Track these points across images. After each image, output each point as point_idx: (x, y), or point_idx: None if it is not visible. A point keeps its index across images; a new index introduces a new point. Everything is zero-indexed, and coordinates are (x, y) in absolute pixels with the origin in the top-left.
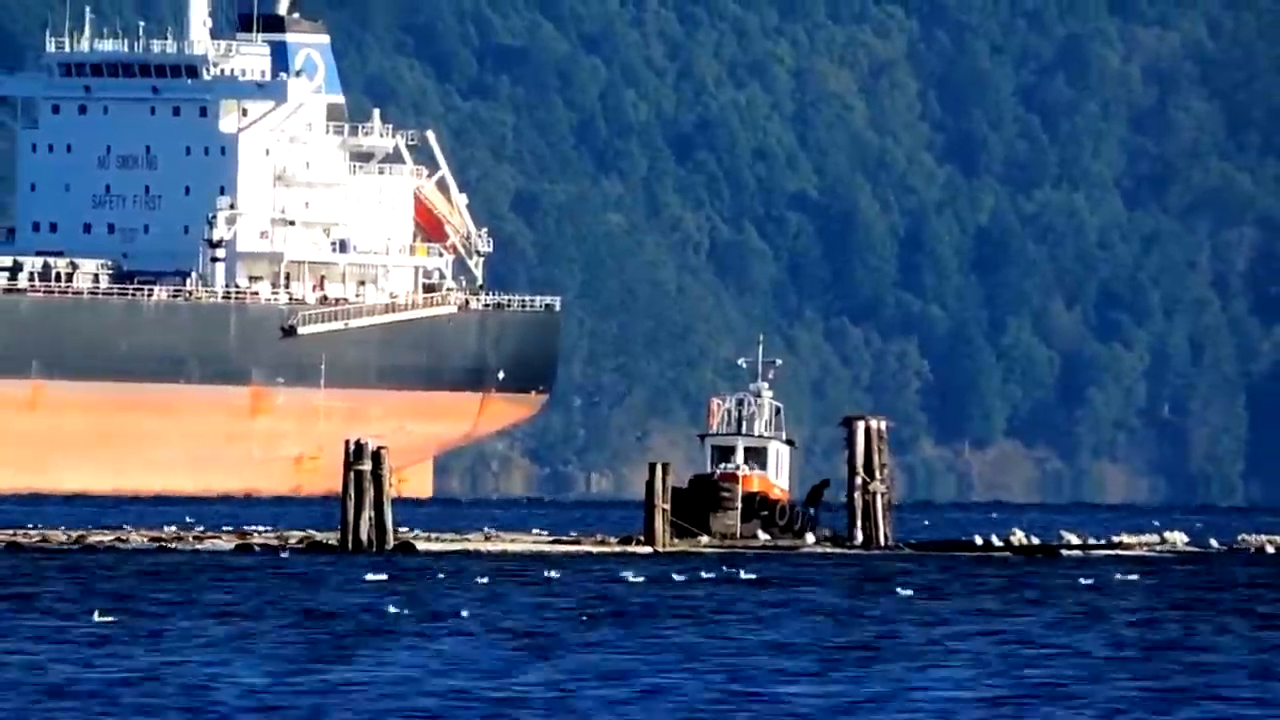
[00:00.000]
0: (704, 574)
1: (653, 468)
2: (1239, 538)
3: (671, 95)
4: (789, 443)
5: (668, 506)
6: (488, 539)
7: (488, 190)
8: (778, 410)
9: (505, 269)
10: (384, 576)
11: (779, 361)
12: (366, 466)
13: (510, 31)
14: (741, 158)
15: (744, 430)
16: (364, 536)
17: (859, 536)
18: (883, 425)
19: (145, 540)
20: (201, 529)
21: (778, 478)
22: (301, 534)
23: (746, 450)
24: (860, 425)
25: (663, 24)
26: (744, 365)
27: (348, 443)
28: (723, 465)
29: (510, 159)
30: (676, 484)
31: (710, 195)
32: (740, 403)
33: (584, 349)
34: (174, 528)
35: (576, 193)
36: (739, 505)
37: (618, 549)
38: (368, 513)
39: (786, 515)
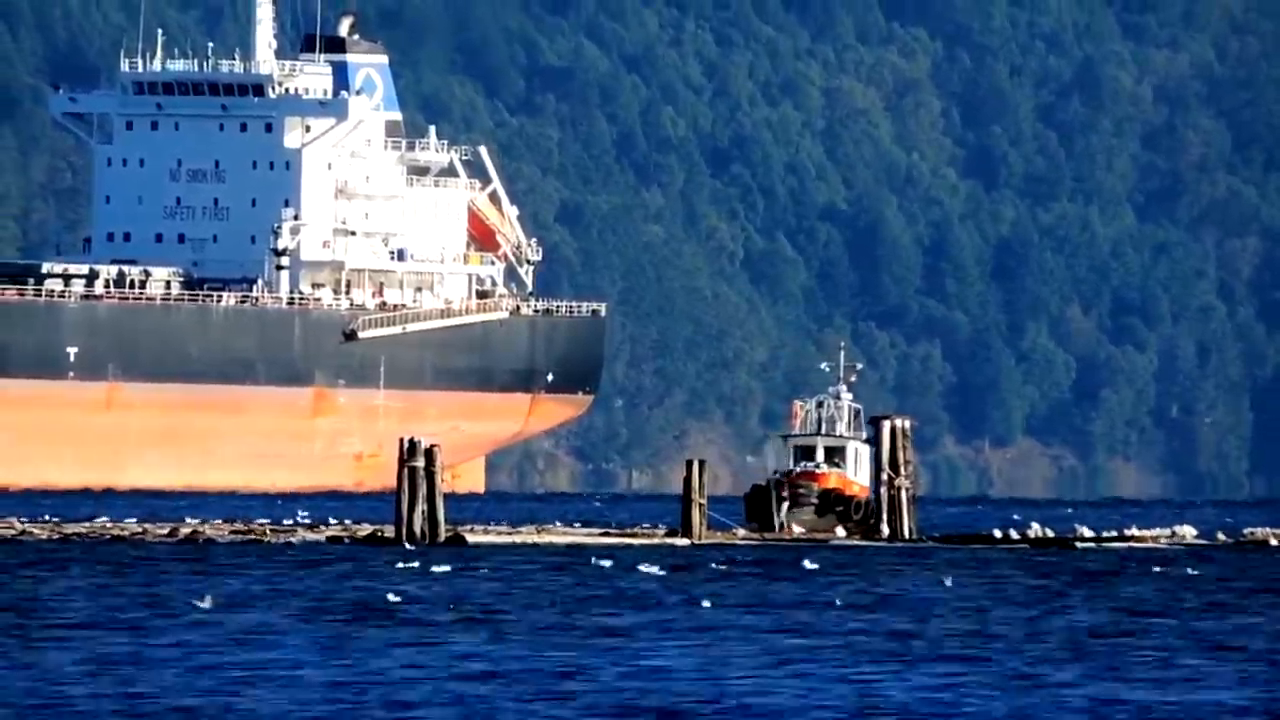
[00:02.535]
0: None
1: (690, 464)
2: (1246, 531)
3: (708, 112)
4: (868, 442)
5: (704, 501)
6: (539, 532)
7: (534, 202)
8: (857, 412)
9: (551, 276)
10: None
11: (860, 366)
12: (420, 463)
13: (556, 52)
14: (774, 171)
15: (824, 431)
16: (417, 529)
17: (885, 530)
18: (907, 424)
19: (227, 533)
20: (290, 521)
21: (856, 475)
22: (375, 527)
23: (826, 450)
24: (886, 425)
25: (700, 45)
26: (826, 369)
27: (402, 441)
28: (803, 464)
29: (555, 172)
30: (757, 481)
31: (745, 207)
32: (820, 405)
33: (625, 352)
34: (245, 521)
35: (618, 204)
36: (815, 501)
37: (658, 541)
38: (421, 506)
39: (861, 510)
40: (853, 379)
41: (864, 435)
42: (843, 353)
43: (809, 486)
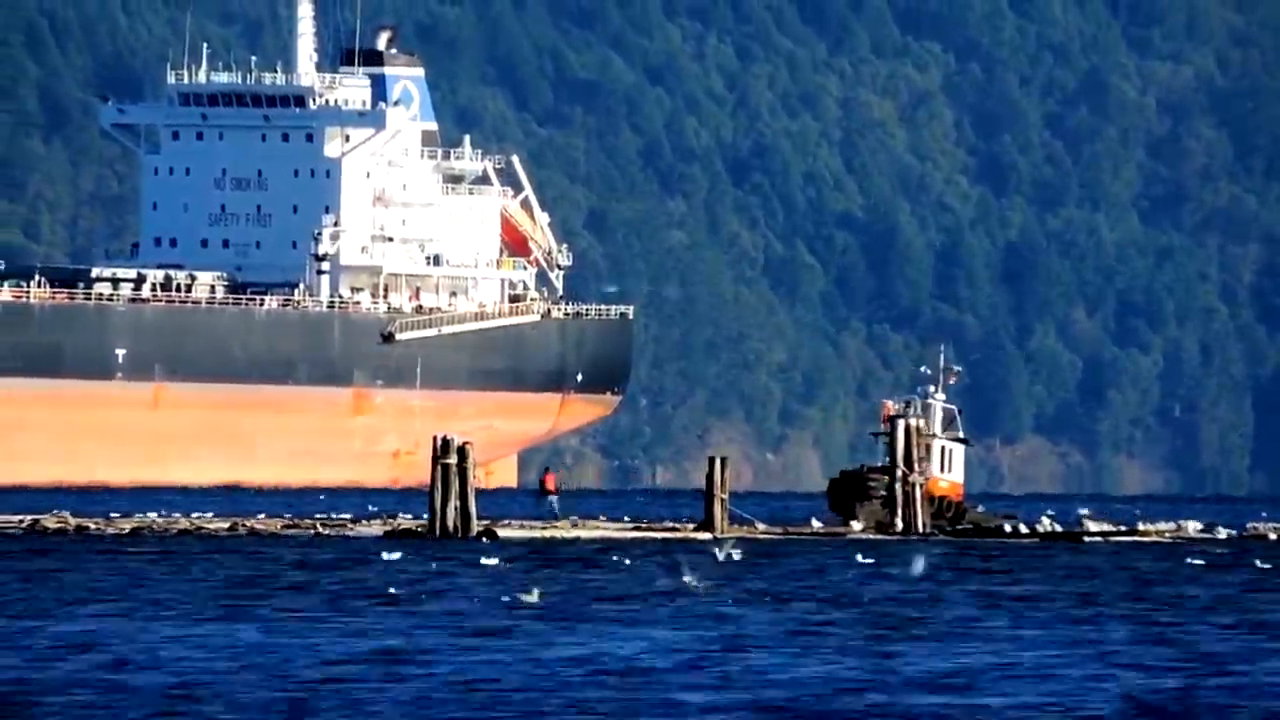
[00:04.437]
0: None
1: (711, 461)
2: (1248, 525)
3: (729, 123)
4: (963, 441)
5: (725, 496)
6: (574, 526)
7: (562, 209)
8: (952, 414)
9: (578, 280)
10: None
11: (959, 368)
12: (453, 460)
13: (583, 65)
14: (793, 180)
15: None
16: (450, 524)
17: (899, 524)
18: (921, 423)
19: (278, 528)
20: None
21: (946, 473)
22: (417, 521)
23: None
24: (901, 423)
25: (721, 58)
26: (926, 372)
27: (435, 438)
28: (886, 461)
29: (583, 181)
30: (831, 475)
31: (765, 214)
32: (908, 404)
33: (649, 354)
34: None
35: (643, 211)
36: (882, 494)
37: (683, 535)
38: (454, 502)
39: (936, 505)
40: (952, 381)
41: (959, 434)
42: (942, 356)
43: (879, 480)
